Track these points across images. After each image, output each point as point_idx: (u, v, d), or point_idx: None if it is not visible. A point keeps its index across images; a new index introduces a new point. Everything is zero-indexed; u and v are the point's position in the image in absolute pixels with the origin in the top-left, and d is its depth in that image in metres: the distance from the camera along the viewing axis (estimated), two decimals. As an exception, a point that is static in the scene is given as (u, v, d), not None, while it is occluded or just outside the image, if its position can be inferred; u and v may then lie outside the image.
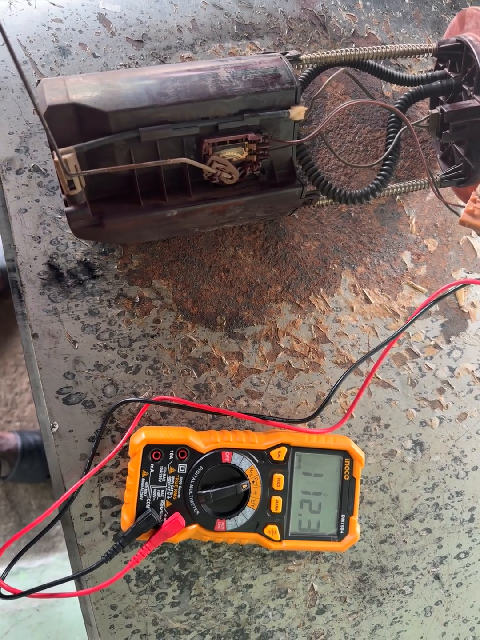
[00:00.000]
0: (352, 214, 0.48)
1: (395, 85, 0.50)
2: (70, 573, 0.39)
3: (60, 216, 0.42)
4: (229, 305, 0.45)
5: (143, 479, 0.38)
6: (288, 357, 0.46)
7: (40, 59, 0.44)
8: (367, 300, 0.48)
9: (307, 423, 0.45)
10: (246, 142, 0.35)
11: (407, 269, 0.49)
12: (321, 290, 0.47)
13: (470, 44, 0.40)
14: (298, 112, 0.35)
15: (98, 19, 0.45)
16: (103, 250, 0.43)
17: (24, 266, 0.41)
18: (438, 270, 0.50)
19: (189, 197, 0.36)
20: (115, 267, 0.43)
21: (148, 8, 0.47)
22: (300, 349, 0.46)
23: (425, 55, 0.51)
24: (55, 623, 0.84)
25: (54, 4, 0.45)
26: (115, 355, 0.42)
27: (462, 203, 0.50)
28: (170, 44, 0.46)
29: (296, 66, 0.39)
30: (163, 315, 0.43)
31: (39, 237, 0.41)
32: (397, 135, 0.40)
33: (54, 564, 1.04)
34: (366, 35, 0.51)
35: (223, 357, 0.44)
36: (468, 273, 0.50)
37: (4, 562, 0.40)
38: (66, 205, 0.34)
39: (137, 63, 0.45)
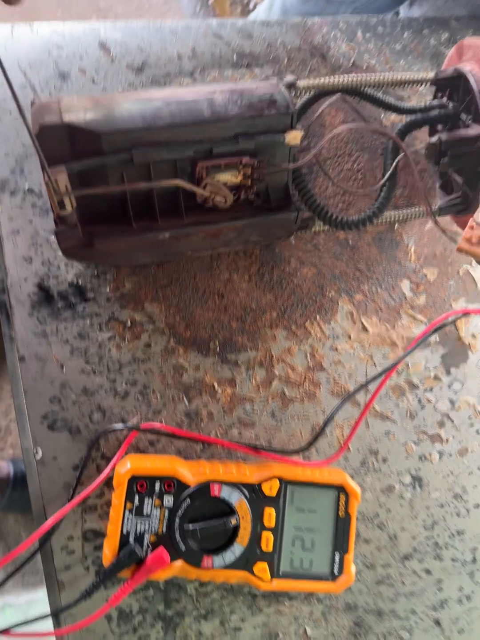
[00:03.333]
0: (350, 242, 0.48)
1: (394, 115, 0.50)
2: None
3: (53, 237, 0.41)
4: (222, 330, 0.44)
5: (127, 511, 0.36)
6: (282, 385, 0.44)
7: (40, 83, 0.44)
8: (365, 329, 0.47)
9: (301, 455, 0.43)
10: (241, 166, 0.35)
11: (406, 298, 0.48)
12: (317, 317, 0.46)
13: (468, 74, 0.40)
14: (293, 137, 0.35)
15: (99, 46, 0.46)
16: (95, 273, 0.42)
17: (14, 287, 0.40)
18: (437, 299, 0.49)
19: (182, 220, 0.35)
20: (107, 290, 0.42)
21: (148, 36, 0.47)
22: (295, 377, 0.45)
23: (424, 86, 0.51)
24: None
25: (56, 31, 0.46)
26: (103, 380, 0.41)
27: (461, 231, 0.50)
28: (170, 71, 0.47)
29: (294, 93, 0.39)
30: (154, 339, 0.42)
31: (31, 258, 0.41)
32: (394, 162, 0.40)
33: (42, 600, 1.00)
34: (365, 66, 0.52)
35: (215, 384, 0.43)
36: (468, 303, 0.49)
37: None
38: (56, 225, 0.34)
39: (136, 89, 0.46)
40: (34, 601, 1.02)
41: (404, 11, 0.71)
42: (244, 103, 0.34)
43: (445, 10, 0.65)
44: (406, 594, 0.45)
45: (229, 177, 0.35)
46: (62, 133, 0.32)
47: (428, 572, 0.46)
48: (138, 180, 0.34)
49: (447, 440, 0.47)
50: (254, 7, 1.45)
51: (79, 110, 0.33)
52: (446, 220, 0.49)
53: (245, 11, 1.49)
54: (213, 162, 0.34)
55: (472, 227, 0.36)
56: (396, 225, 0.49)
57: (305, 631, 0.43)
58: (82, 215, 0.34)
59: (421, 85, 0.43)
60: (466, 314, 0.42)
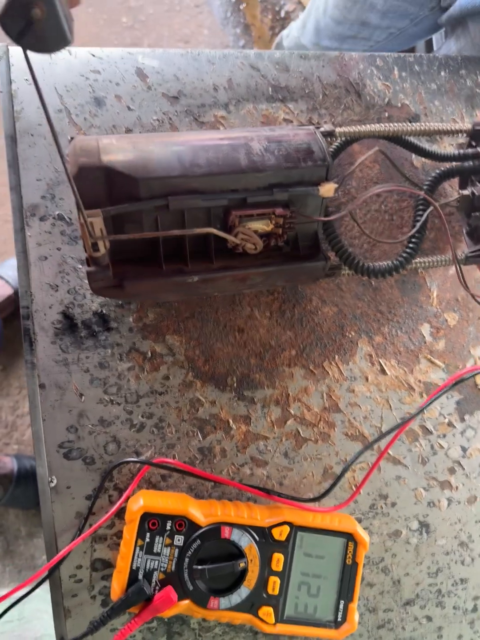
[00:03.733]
0: (373, 283, 0.48)
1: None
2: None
3: (80, 266, 0.42)
4: (240, 366, 0.44)
5: (138, 548, 0.36)
6: (297, 424, 0.45)
7: (75, 108, 0.44)
8: (383, 371, 0.47)
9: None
10: (273, 216, 0.35)
11: (425, 342, 0.48)
12: (336, 357, 0.46)
13: (505, 130, 0.40)
14: (328, 190, 0.35)
15: (136, 73, 0.46)
16: (120, 303, 0.42)
17: (38, 314, 0.41)
18: (457, 345, 0.49)
19: (211, 264, 0.36)
20: (131, 320, 0.42)
21: (186, 65, 0.47)
22: (311, 418, 0.45)
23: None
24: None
25: (93, 55, 0.46)
26: (120, 411, 0.41)
27: (485, 279, 0.50)
28: (205, 102, 0.47)
29: (328, 138, 0.39)
30: (173, 372, 0.43)
31: (57, 286, 0.41)
32: (425, 215, 0.40)
33: (37, 596, 1.01)
34: (400, 105, 0.51)
35: (230, 420, 0.43)
36: (487, 350, 0.49)
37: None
38: (88, 265, 0.34)
39: (170, 119, 0.46)
40: (30, 596, 1.03)
41: (437, 43, 0.70)
42: (281, 153, 0.34)
43: (482, 47, 0.64)
44: (406, 639, 0.45)
45: (261, 226, 0.35)
46: (100, 175, 0.32)
47: (429, 618, 0.46)
48: (172, 226, 0.34)
49: (456, 487, 0.47)
50: (285, 15, 1.44)
51: (117, 152, 0.33)
52: (471, 267, 0.49)
53: (276, 18, 1.48)
54: (246, 212, 0.34)
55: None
56: (420, 269, 0.49)
57: (303, 671, 0.43)
58: (113, 255, 0.34)
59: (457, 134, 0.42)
60: (486, 369, 0.42)
